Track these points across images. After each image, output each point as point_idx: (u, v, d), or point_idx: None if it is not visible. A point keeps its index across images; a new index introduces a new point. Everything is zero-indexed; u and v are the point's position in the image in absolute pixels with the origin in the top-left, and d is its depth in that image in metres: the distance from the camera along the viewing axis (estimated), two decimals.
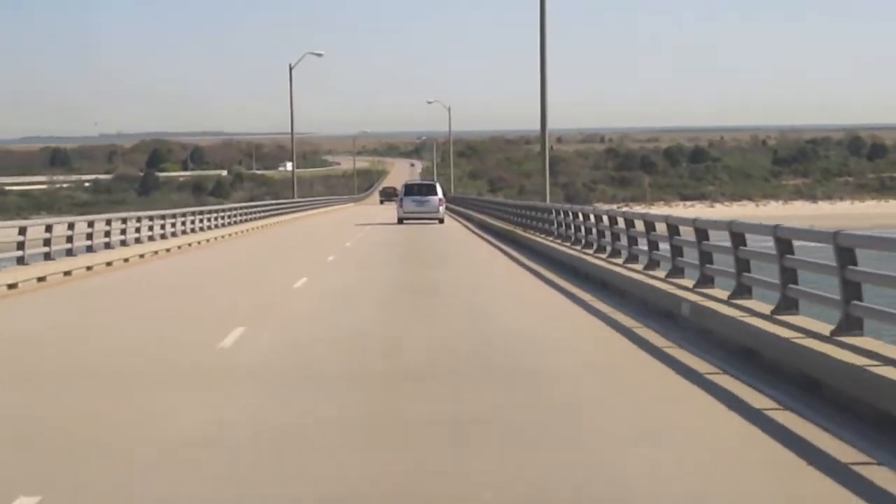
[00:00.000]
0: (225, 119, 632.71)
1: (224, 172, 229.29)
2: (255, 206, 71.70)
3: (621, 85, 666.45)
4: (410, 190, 74.23)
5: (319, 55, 73.52)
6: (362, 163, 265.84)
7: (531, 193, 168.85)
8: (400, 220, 71.61)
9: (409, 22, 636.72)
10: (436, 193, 72.91)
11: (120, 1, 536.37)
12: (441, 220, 72.23)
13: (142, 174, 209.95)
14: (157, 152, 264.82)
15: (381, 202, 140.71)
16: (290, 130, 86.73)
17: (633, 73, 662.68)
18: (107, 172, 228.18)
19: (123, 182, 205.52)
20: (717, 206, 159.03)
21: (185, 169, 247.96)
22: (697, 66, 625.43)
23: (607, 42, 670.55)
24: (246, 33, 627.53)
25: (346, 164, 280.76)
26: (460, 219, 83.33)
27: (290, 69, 73.20)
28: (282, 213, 79.10)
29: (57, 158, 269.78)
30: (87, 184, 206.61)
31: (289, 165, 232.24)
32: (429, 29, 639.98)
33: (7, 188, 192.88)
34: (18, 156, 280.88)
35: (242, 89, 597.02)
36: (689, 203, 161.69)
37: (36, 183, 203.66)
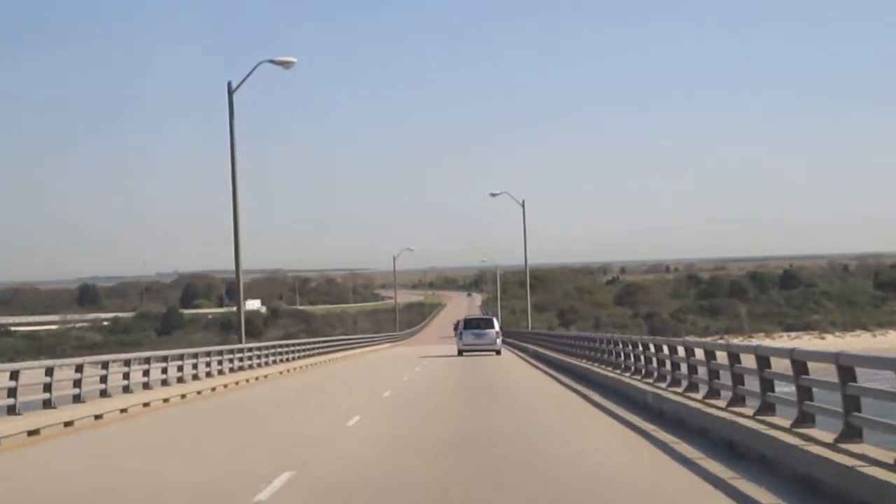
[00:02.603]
0: (279, 255, 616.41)
1: (262, 308, 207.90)
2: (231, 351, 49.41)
3: (682, 216, 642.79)
4: (470, 324, 76.16)
5: (285, 63, 48.33)
6: (416, 296, 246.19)
7: (609, 327, 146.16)
8: (460, 353, 73.58)
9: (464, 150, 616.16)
10: (493, 327, 75.09)
11: (180, 136, 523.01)
12: (498, 352, 73.70)
13: (165, 312, 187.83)
14: (191, 287, 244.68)
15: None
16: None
17: (694, 203, 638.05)
18: (133, 310, 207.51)
19: (145, 320, 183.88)
20: (829, 336, 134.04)
21: (221, 305, 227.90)
22: (759, 195, 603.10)
23: (669, 172, 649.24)
24: (293, 168, 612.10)
25: (400, 298, 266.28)
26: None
27: (230, 90, 48.93)
28: (283, 359, 56.65)
29: (86, 297, 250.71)
30: (105, 322, 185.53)
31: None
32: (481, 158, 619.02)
33: (14, 328, 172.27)
34: (46, 294, 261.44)
35: (303, 226, 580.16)
36: (793, 334, 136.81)
37: (47, 323, 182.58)
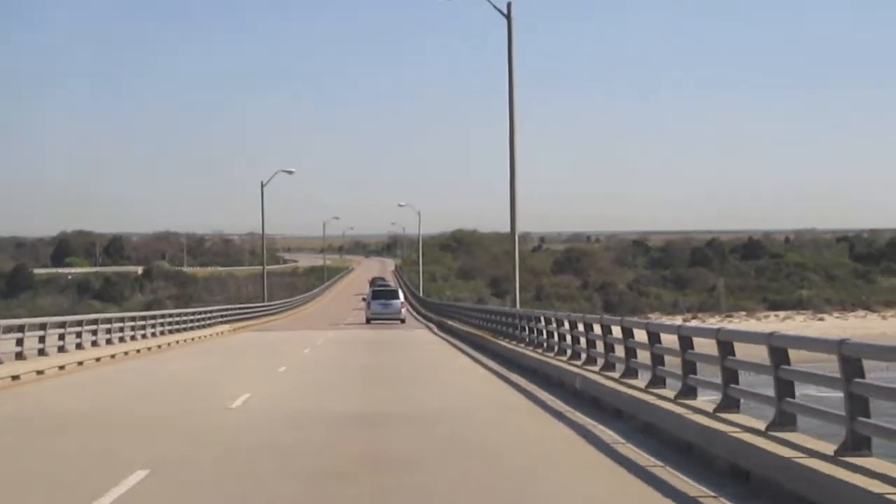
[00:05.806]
0: (187, 218, 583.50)
1: (139, 269, 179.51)
2: None
3: (597, 186, 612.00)
4: (377, 295, 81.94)
5: None
6: (321, 260, 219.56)
7: (553, 299, 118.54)
8: (368, 321, 78.26)
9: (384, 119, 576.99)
10: (398, 298, 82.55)
11: (76, 104, 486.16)
12: (403, 321, 79.65)
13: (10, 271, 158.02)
14: (64, 245, 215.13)
15: None
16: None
17: (613, 172, 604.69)
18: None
19: None
20: (827, 317, 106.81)
21: (96, 264, 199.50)
22: (681, 166, 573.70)
23: (571, 142, 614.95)
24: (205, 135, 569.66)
25: (304, 261, 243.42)
26: None
27: None
28: None
29: None
30: None
31: None
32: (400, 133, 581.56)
33: None
34: None
35: (203, 189, 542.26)
36: (782, 314, 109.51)
37: None
